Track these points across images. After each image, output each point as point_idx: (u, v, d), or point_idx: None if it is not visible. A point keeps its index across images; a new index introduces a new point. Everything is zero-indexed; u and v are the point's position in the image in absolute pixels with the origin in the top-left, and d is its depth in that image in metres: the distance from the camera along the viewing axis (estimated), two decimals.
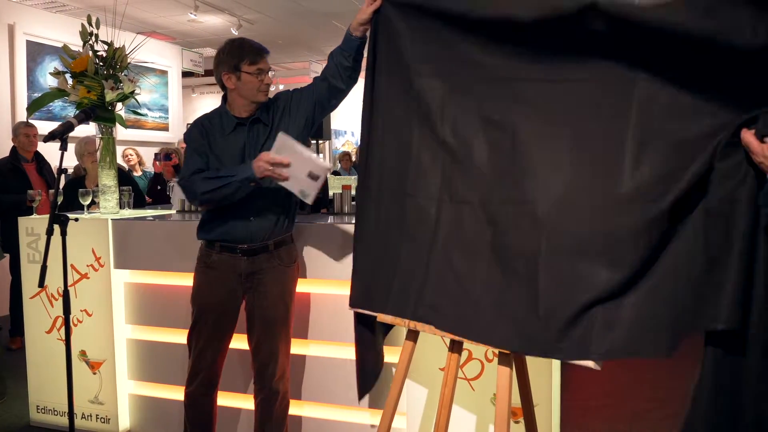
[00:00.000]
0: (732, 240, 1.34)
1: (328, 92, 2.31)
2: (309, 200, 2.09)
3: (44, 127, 5.06)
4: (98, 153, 3.21)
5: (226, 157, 2.28)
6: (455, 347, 1.88)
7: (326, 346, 2.70)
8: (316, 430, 2.73)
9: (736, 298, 1.33)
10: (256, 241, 2.30)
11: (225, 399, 2.75)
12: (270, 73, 2.29)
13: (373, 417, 2.61)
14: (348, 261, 2.51)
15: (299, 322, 2.64)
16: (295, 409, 2.62)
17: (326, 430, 2.72)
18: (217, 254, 2.33)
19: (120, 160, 6.71)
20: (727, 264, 1.35)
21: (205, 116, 2.39)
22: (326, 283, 2.67)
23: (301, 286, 2.58)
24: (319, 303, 2.67)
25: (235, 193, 2.17)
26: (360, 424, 2.66)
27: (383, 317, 1.96)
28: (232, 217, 2.28)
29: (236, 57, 2.24)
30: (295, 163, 2.05)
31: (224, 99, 2.36)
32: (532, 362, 1.97)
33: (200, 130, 2.33)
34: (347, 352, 2.64)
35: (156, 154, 5.89)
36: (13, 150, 4.63)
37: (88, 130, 5.76)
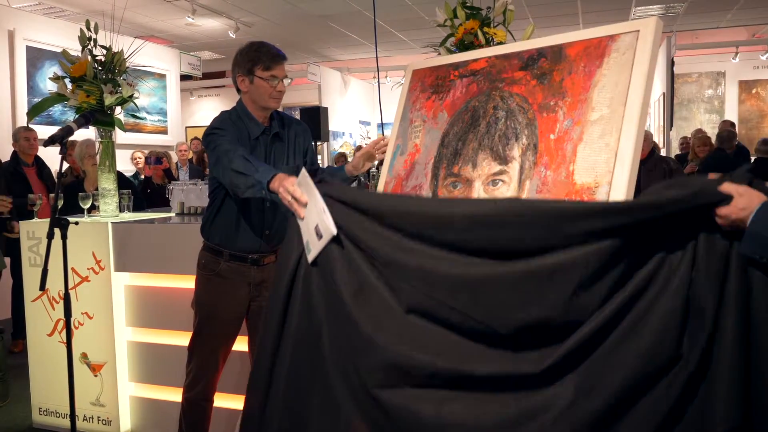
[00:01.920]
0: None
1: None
2: (310, 257, 1.73)
3: (44, 131, 5.06)
4: (98, 156, 3.23)
5: None
6: None
7: None
8: None
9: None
10: (267, 251, 2.31)
11: (224, 401, 2.76)
12: (285, 81, 2.26)
13: None
14: None
15: None
16: None
17: None
18: (226, 263, 2.30)
19: (128, 163, 6.75)
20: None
21: (229, 117, 2.28)
22: None
23: None
24: None
25: (246, 190, 1.98)
26: None
27: None
28: (246, 229, 2.27)
29: (251, 60, 2.22)
30: (309, 208, 1.76)
31: (239, 102, 2.33)
32: None
33: (232, 127, 2.23)
34: None
35: (146, 158, 5.90)
36: (14, 154, 4.67)
37: (88, 133, 5.79)
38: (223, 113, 2.32)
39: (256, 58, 2.21)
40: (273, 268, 2.30)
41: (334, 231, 1.65)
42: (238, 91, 2.31)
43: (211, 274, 2.33)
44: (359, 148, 9.93)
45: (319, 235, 1.70)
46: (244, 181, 1.97)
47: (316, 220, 1.71)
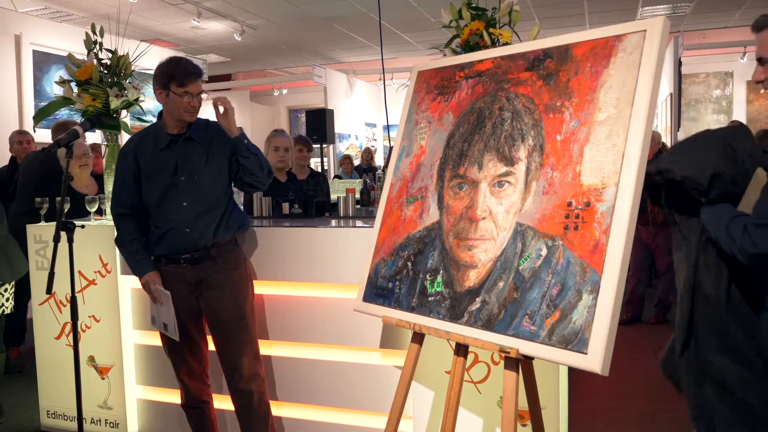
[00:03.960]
0: None
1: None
2: (171, 334, 2.39)
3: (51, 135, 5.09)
4: (104, 160, 3.24)
5: (157, 173, 2.38)
6: (461, 350, 1.88)
7: (329, 349, 2.71)
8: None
9: None
10: (197, 250, 2.38)
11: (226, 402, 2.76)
12: (204, 95, 2.38)
13: (379, 420, 2.61)
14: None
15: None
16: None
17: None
18: (164, 266, 2.43)
19: None
20: None
21: (140, 133, 2.50)
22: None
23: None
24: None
25: (129, 264, 2.45)
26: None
27: (389, 318, 1.96)
28: (169, 231, 2.38)
29: (167, 76, 2.33)
30: (165, 305, 2.37)
31: (160, 113, 2.46)
32: (539, 365, 1.97)
33: (134, 150, 2.44)
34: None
35: None
36: (12, 159, 4.67)
37: (93, 137, 5.81)
38: (135, 134, 2.53)
39: (172, 75, 2.33)
40: (209, 266, 2.42)
41: (176, 339, 2.38)
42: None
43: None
44: (366, 150, 9.93)
45: (167, 329, 2.39)
46: (127, 260, 2.46)
47: (170, 319, 2.36)
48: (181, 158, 2.40)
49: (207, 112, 2.58)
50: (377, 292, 2.09)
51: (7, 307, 3.30)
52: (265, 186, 2.49)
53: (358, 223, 2.82)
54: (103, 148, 3.27)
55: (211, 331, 2.49)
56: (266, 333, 2.76)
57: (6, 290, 3.29)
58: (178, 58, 2.41)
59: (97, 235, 3.03)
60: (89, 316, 3.07)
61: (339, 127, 10.06)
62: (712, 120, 10.91)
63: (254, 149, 2.43)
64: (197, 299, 2.43)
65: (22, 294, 4.36)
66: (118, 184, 2.47)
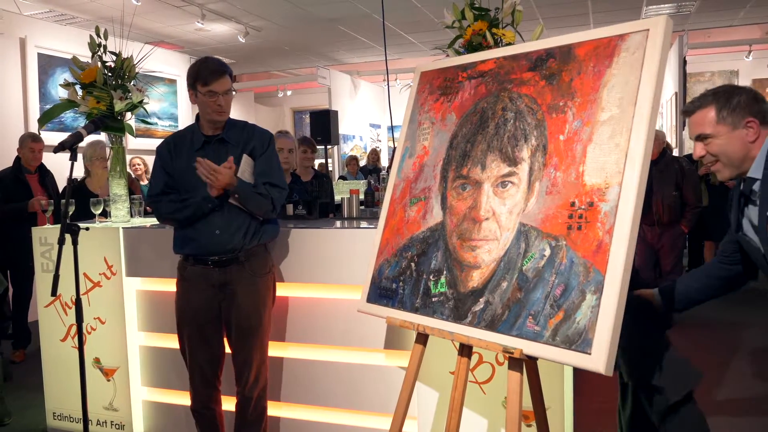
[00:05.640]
0: None
1: None
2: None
3: (56, 137, 5.11)
4: (108, 162, 3.25)
5: (190, 173, 2.36)
6: (465, 351, 1.88)
7: (333, 350, 2.71)
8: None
9: None
10: (226, 253, 2.37)
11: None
12: (232, 93, 2.39)
13: (383, 421, 2.61)
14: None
15: (293, 326, 2.70)
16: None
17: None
18: (191, 266, 2.43)
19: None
20: None
21: (178, 133, 2.52)
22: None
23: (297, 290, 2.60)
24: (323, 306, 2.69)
25: (195, 213, 2.35)
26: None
27: (392, 319, 1.96)
28: (199, 231, 2.37)
29: (193, 77, 2.35)
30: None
31: (197, 116, 2.48)
32: (544, 365, 1.97)
33: (169, 146, 2.47)
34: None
35: None
36: (17, 160, 4.51)
37: (99, 137, 5.82)
38: (173, 133, 2.57)
39: (197, 75, 2.34)
40: (237, 271, 2.40)
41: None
42: None
43: (180, 278, 2.48)
44: (372, 151, 9.92)
45: None
46: (187, 212, 2.35)
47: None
48: (213, 160, 2.36)
49: (236, 113, 2.58)
50: (381, 292, 2.09)
51: None
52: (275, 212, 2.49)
53: (362, 224, 2.82)
54: (107, 151, 3.28)
55: (229, 335, 2.47)
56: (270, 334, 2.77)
57: None
58: (204, 57, 2.40)
59: (102, 237, 3.04)
60: (94, 318, 3.08)
61: (343, 128, 10.06)
62: None
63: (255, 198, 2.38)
64: (219, 302, 2.42)
65: (20, 297, 4.39)
66: (159, 173, 2.48)
